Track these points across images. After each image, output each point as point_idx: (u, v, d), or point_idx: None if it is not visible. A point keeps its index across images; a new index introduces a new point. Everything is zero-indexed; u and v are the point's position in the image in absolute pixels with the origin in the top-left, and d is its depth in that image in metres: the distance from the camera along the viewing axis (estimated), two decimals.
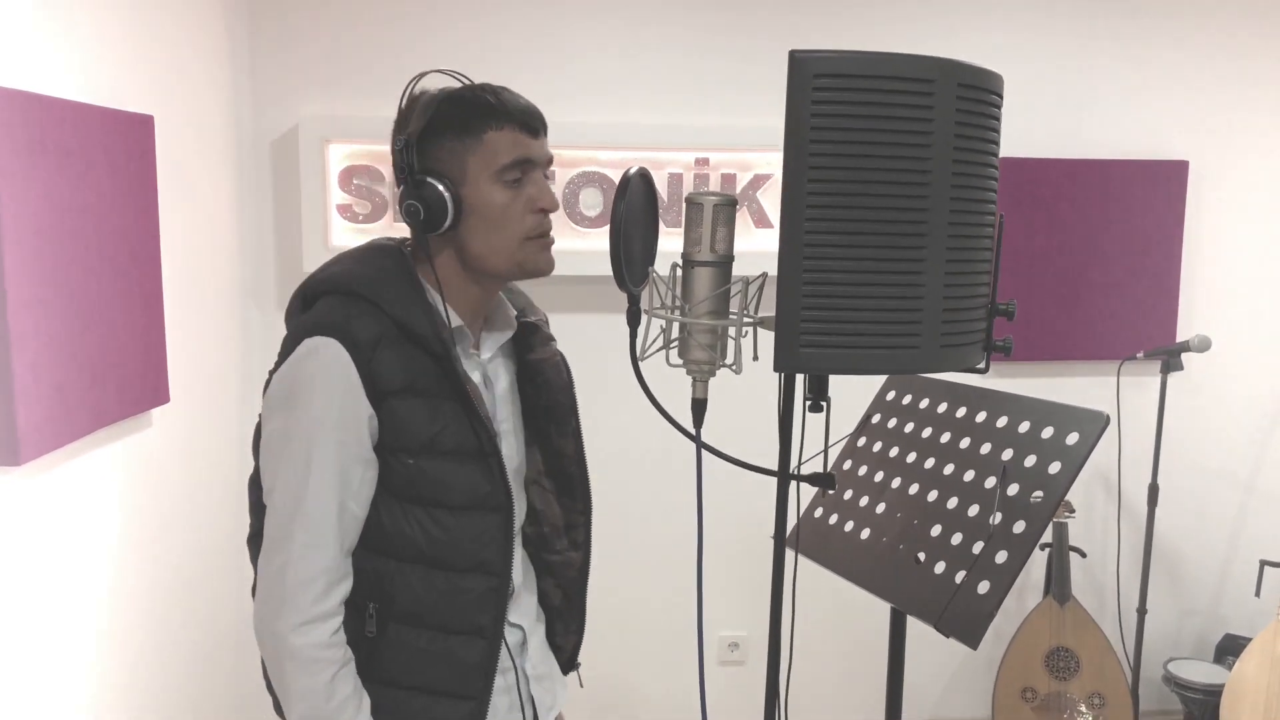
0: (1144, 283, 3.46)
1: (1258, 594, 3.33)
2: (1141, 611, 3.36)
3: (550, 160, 1.49)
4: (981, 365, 1.29)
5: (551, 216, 1.48)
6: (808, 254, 1.14)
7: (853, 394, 2.26)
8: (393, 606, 1.43)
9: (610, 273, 3.24)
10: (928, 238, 1.15)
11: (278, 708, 1.42)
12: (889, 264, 1.15)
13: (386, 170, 3.10)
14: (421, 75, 1.45)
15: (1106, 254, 3.44)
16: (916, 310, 1.16)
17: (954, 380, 1.91)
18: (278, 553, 1.36)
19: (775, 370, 1.18)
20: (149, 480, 2.41)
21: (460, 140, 1.40)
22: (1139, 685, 3.32)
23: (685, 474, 3.36)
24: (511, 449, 1.56)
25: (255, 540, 1.47)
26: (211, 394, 2.78)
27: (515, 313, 1.59)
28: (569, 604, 1.68)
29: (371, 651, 1.43)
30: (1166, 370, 3.23)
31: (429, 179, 1.39)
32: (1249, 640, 3.37)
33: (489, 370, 1.54)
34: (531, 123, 1.44)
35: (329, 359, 1.34)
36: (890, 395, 2.01)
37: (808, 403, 1.36)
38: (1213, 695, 3.27)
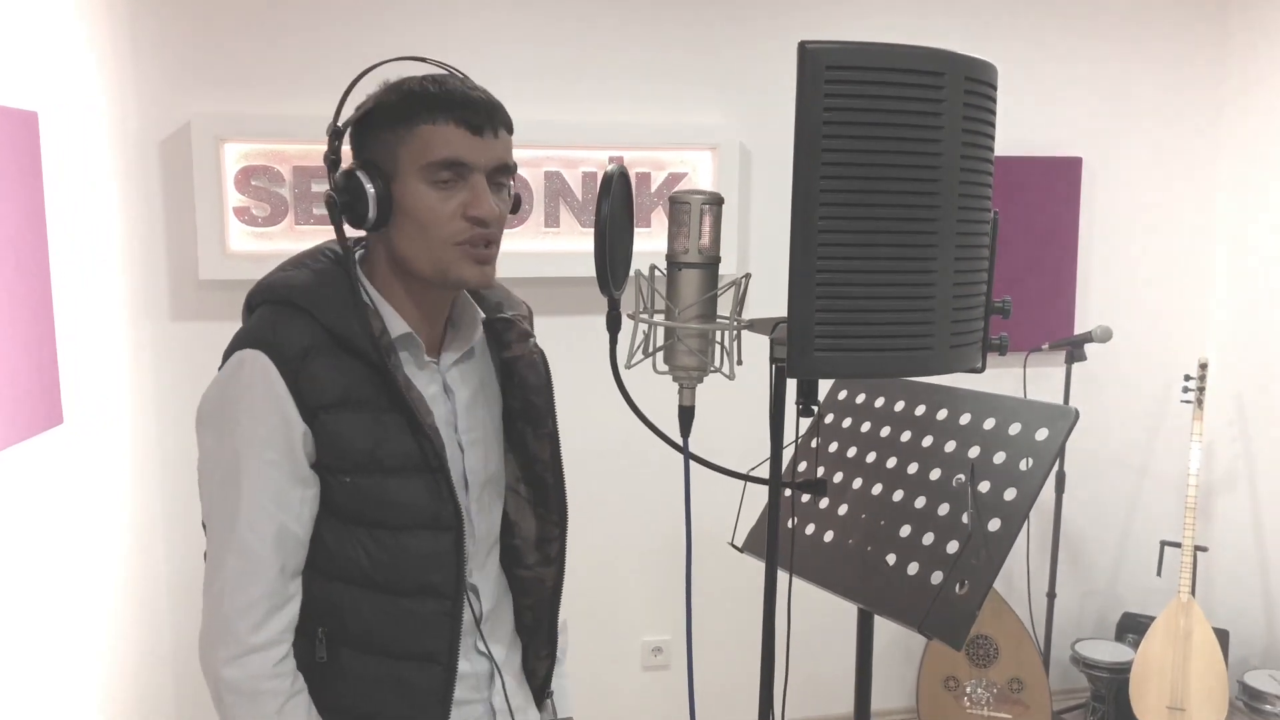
0: (1043, 276, 3.57)
1: (1159, 573, 3.47)
2: (1051, 595, 3.46)
3: (501, 165, 1.33)
4: (979, 365, 1.27)
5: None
6: (821, 254, 1.09)
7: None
8: (343, 631, 1.35)
9: (530, 275, 3.15)
10: (939, 235, 1.12)
11: None
12: (903, 262, 1.11)
13: (286, 170, 2.93)
14: (384, 61, 1.35)
15: (1008, 248, 3.53)
16: (929, 310, 1.13)
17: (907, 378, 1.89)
18: (214, 581, 1.28)
19: (790, 376, 1.13)
20: (45, 507, 2.21)
21: (393, 131, 1.29)
22: (1049, 666, 3.42)
23: (614, 476, 3.29)
24: (479, 460, 1.45)
25: None
26: (107, 413, 2.57)
27: (483, 315, 1.48)
28: (539, 625, 1.57)
29: (324, 678, 1.35)
30: (1071, 360, 3.33)
31: (357, 171, 1.29)
32: (1147, 618, 3.51)
33: (449, 379, 1.43)
34: (475, 119, 1.29)
35: (255, 373, 1.27)
36: (842, 394, 1.99)
37: (799, 407, 1.31)
38: (1118, 673, 3.39)
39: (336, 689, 1.36)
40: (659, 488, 3.32)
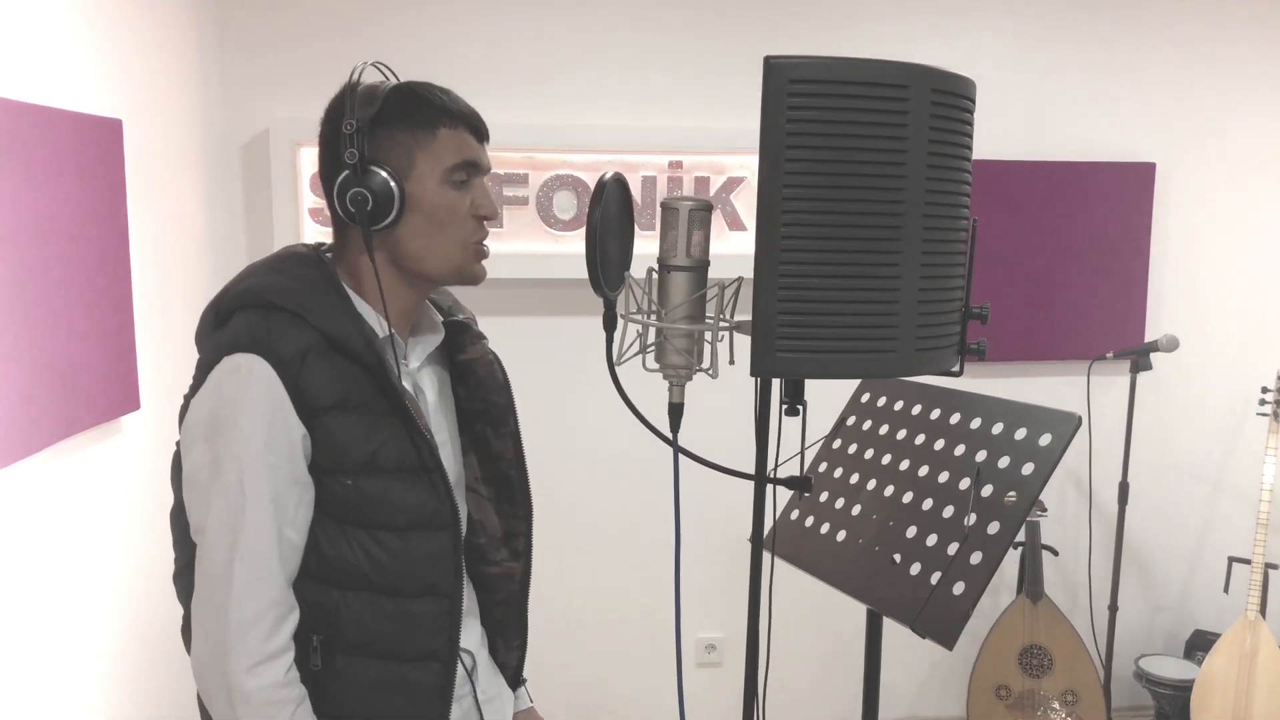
0: (1112, 283, 3.50)
1: (1226, 590, 3.37)
2: (1113, 609, 3.39)
3: (490, 169, 1.46)
4: (955, 368, 1.30)
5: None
6: (784, 259, 1.14)
7: (829, 396, 2.27)
8: (339, 638, 1.36)
9: (586, 276, 3.25)
10: (903, 242, 1.16)
11: None
12: (865, 268, 1.15)
13: None
14: (363, 66, 1.41)
15: (1075, 255, 3.47)
16: (892, 315, 1.17)
17: (927, 381, 1.92)
18: (216, 591, 1.27)
19: (752, 375, 1.19)
20: (119, 488, 2.38)
21: (411, 134, 1.35)
22: (1111, 682, 3.36)
23: (659, 476, 3.36)
24: (449, 460, 1.49)
25: (183, 576, 1.39)
26: (182, 401, 2.75)
27: (440, 317, 1.52)
28: (510, 618, 1.60)
29: (319, 686, 1.35)
30: (1136, 370, 3.26)
31: (373, 167, 1.32)
32: (1217, 636, 3.42)
33: (418, 380, 1.47)
34: (480, 127, 1.41)
35: (252, 377, 1.27)
36: (865, 397, 2.02)
37: (784, 406, 1.36)
38: (1183, 691, 3.31)
39: (331, 695, 1.36)
40: (711, 488, 3.37)
